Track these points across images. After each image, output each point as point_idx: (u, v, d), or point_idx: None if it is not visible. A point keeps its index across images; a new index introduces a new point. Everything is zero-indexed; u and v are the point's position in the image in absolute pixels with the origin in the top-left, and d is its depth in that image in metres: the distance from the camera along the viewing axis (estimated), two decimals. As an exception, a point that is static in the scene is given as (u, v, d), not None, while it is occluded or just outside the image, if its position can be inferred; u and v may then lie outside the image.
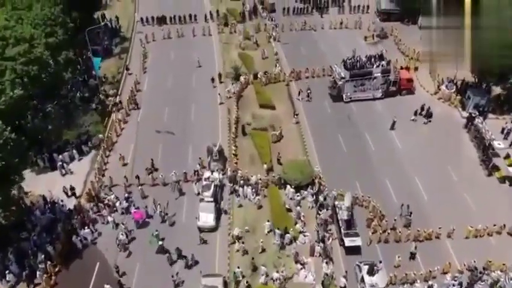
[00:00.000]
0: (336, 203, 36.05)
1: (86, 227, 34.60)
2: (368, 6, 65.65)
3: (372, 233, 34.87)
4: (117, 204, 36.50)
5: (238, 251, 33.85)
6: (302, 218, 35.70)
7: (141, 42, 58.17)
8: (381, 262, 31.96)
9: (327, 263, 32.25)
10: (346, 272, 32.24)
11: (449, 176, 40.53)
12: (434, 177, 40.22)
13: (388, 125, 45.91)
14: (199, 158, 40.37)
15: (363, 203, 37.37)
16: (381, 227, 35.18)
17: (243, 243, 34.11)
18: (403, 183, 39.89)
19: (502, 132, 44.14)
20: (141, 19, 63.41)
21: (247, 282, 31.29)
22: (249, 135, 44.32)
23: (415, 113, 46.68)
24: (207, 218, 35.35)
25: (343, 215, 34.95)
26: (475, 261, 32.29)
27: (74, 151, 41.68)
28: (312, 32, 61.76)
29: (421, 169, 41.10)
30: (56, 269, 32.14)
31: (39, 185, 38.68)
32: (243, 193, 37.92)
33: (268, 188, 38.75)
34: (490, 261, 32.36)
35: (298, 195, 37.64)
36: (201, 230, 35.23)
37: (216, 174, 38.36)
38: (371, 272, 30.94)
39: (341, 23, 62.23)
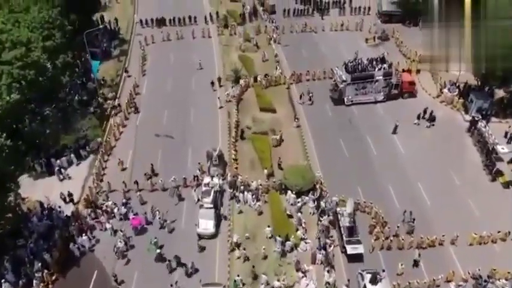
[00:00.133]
0: (338, 209, 35.52)
1: (84, 234, 34.02)
2: (369, 8, 65.10)
3: (375, 240, 34.32)
4: (115, 210, 35.93)
5: (239, 258, 33.28)
6: (303, 225, 35.14)
7: (141, 45, 57.58)
8: (384, 271, 31.34)
9: (328, 271, 31.68)
10: (348, 280, 31.66)
11: (452, 181, 39.98)
12: (437, 182, 39.67)
13: (390, 128, 45.36)
14: (199, 163, 39.80)
15: (365, 209, 36.82)
16: (383, 233, 34.63)
17: (244, 249, 33.55)
18: (405, 189, 39.33)
19: (506, 136, 43.58)
20: (141, 21, 62.86)
21: (247, 291, 30.81)
22: (250, 140, 43.74)
23: (418, 117, 46.10)
24: (206, 225, 34.80)
25: (345, 221, 34.42)
26: (479, 270, 31.75)
27: (72, 155, 41.12)
28: (312, 34, 61.21)
29: (423, 174, 40.54)
30: (53, 278, 31.52)
31: (36, 190, 38.17)
32: (243, 199, 37.36)
33: (269, 194, 38.20)
34: (494, 270, 31.76)
35: (299, 200, 37.12)
36: (200, 236, 34.66)
37: (216, 180, 37.81)
38: (374, 281, 30.36)
39: (342, 25, 61.69)
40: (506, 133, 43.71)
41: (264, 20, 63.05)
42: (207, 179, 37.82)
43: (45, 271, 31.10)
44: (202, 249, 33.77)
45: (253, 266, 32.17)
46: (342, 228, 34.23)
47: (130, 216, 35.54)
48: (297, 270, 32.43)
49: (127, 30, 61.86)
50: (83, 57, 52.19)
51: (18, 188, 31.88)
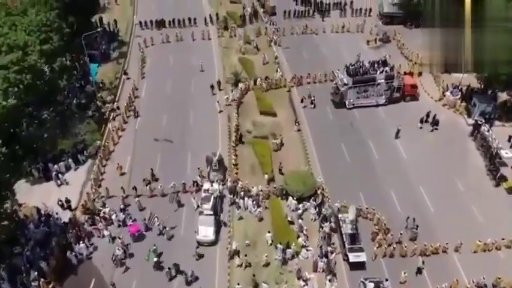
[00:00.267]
0: (340, 215, 34.99)
1: (81, 242, 33.42)
2: (370, 10, 64.60)
3: (377, 247, 33.75)
4: (113, 216, 35.36)
5: (240, 265, 32.68)
6: (304, 232, 34.58)
7: (140, 47, 56.99)
8: (387, 280, 30.79)
9: (330, 279, 31.16)
10: (350, 289, 31.22)
11: (456, 186, 39.46)
12: (440, 188, 39.14)
13: (392, 132, 44.82)
14: (198, 168, 39.22)
15: (367, 215, 36.28)
16: (386, 240, 34.06)
17: (245, 255, 32.94)
18: (408, 194, 38.81)
19: (509, 140, 43.09)
20: (140, 23, 62.23)
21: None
22: (250, 144, 43.15)
23: (421, 121, 45.54)
24: (206, 232, 34.24)
25: (347, 228, 33.88)
26: (484, 278, 31.21)
27: (70, 160, 40.54)
28: (313, 35, 60.67)
29: (426, 179, 40.04)
30: (50, 286, 30.79)
31: (33, 196, 37.61)
32: (243, 205, 36.79)
33: (269, 200, 37.63)
34: (499, 278, 31.24)
35: (301, 206, 36.56)
36: (200, 244, 34.09)
37: (215, 186, 37.26)
38: (377, 290, 29.88)
39: (343, 27, 61.19)
40: (509, 137, 43.27)
41: (265, 21, 62.46)
42: (206, 185, 37.27)
43: (42, 280, 30.45)
44: (200, 256, 33.19)
45: (254, 275, 31.63)
46: (344, 236, 33.68)
47: (129, 222, 35.01)
48: (298, 279, 31.91)
49: (126, 32, 61.26)
50: (82, 59, 51.58)
51: (14, 195, 31.21)
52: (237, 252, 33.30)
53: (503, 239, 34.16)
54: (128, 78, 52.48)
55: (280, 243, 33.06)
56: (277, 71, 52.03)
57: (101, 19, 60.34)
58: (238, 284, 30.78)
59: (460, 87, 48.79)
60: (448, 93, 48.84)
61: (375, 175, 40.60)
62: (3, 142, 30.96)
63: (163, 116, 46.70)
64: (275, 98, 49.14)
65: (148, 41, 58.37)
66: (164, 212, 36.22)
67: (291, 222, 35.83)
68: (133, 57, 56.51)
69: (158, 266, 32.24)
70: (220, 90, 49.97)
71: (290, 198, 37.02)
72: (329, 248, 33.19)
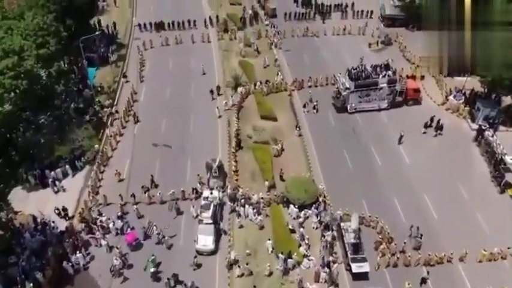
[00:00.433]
0: (342, 224, 34.26)
1: (78, 251, 32.67)
2: (372, 12, 63.83)
3: (380, 257, 33.03)
4: (111, 225, 34.63)
5: (242, 275, 31.89)
6: (306, 240, 33.87)
7: (139, 50, 56.25)
8: (391, 291, 30.21)
9: (332, 291, 30.50)
10: (353, 300, 30.53)
11: (460, 193, 38.80)
12: (444, 195, 38.46)
13: (394, 137, 44.13)
14: (198, 175, 38.49)
15: (370, 223, 35.56)
16: (389, 250, 33.36)
17: (247, 264, 32.20)
18: (411, 201, 38.11)
19: (514, 146, 42.38)
20: (139, 25, 61.49)
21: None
22: (250, 149, 42.44)
23: (425, 126, 44.82)
24: (206, 241, 33.50)
25: (349, 237, 33.14)
26: (490, 289, 30.59)
27: (67, 166, 39.77)
28: (314, 38, 59.97)
29: (430, 185, 39.34)
30: (46, 298, 30.32)
31: (29, 203, 36.88)
32: (244, 213, 36.08)
33: (270, 207, 36.93)
34: (505, 289, 30.63)
35: (302, 214, 35.86)
36: (199, 253, 33.38)
37: (215, 193, 36.47)
38: (380, 302, 29.19)
39: (344, 29, 60.47)
40: (514, 142, 42.51)
41: (265, 24, 61.73)
42: (206, 192, 36.53)
43: (38, 291, 29.85)
44: (198, 266, 32.45)
45: (255, 286, 30.90)
46: (346, 245, 32.96)
47: (127, 230, 34.31)
48: (300, 289, 31.24)
49: (125, 34, 60.47)
50: (80, 62, 50.83)
51: (8, 205, 30.45)
52: (236, 262, 32.54)
53: (508, 248, 33.47)
54: (127, 81, 51.74)
55: (281, 253, 32.35)
56: (278, 74, 51.32)
57: (99, 22, 59.58)
58: (239, 295, 30.18)
59: (463, 91, 48.11)
60: (451, 98, 48.14)
61: (377, 182, 39.91)
62: (-1, 149, 30.37)
63: (162, 121, 45.95)
64: (276, 102, 48.44)
65: (148, 43, 57.65)
66: (163, 220, 35.49)
67: (292, 231, 35.14)
68: (132, 60, 55.78)
69: (156, 277, 31.50)
70: (219, 95, 49.20)
71: (291, 206, 36.33)
72: (331, 258, 32.47)
